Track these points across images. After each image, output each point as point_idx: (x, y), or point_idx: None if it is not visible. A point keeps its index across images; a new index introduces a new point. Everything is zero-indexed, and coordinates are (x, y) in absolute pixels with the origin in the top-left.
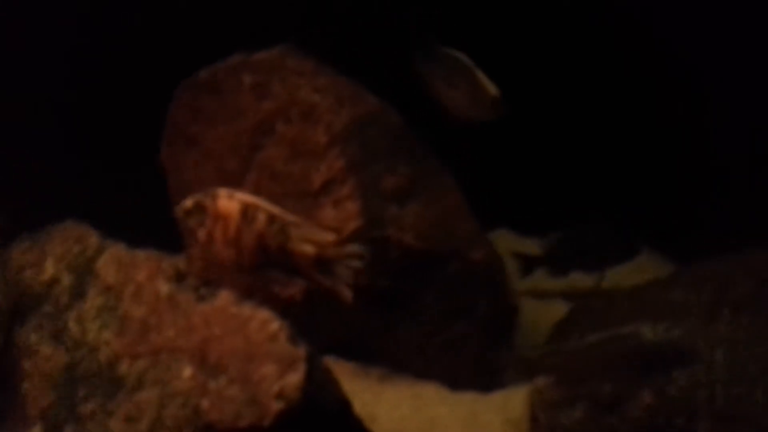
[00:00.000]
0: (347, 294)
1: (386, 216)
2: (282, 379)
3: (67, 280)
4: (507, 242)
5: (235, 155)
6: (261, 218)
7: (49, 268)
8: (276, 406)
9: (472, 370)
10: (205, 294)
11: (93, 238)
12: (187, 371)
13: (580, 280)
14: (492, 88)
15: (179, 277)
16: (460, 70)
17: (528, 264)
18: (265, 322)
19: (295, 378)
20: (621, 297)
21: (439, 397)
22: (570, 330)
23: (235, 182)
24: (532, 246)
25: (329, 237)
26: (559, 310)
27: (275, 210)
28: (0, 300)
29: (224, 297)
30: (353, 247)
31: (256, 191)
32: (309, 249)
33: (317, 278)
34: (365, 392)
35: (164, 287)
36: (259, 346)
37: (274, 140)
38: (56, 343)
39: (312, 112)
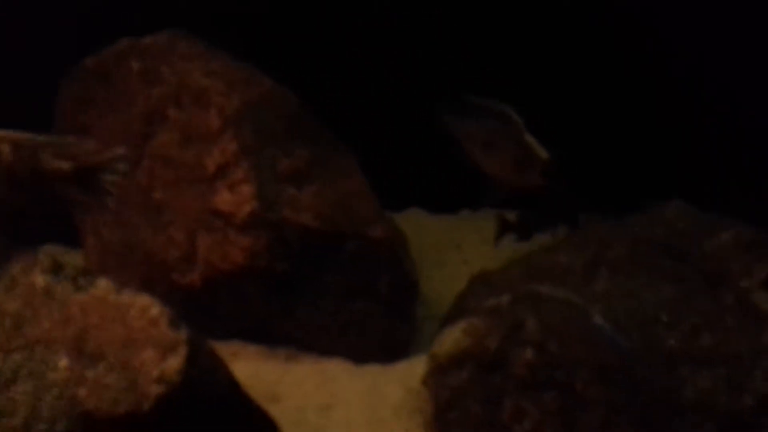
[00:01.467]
0: (111, 203)
1: (282, 198)
2: (162, 363)
3: None
4: (418, 221)
5: (127, 143)
6: (4, 149)
7: None
8: (155, 390)
9: (377, 345)
10: (84, 284)
11: None
12: (63, 362)
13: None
14: (542, 152)
15: (56, 269)
16: (502, 128)
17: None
18: (144, 309)
19: (175, 362)
20: (515, 264)
21: (343, 372)
22: (468, 300)
23: (129, 171)
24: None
25: (87, 146)
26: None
27: (20, 136)
28: None
29: (102, 286)
30: (114, 151)
31: (151, 179)
32: (64, 165)
33: (77, 194)
34: (270, 373)
35: (40, 279)
36: (139, 333)
37: (166, 126)
38: None
39: (203, 96)
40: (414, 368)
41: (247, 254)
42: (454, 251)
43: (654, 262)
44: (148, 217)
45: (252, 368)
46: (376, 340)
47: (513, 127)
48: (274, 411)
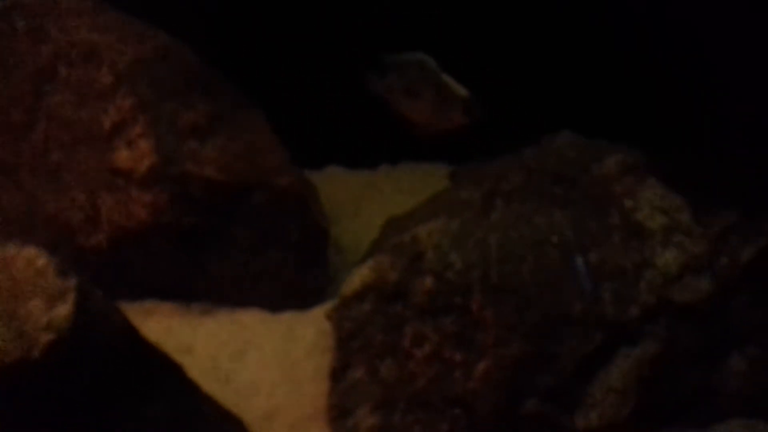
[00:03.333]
0: None
1: (184, 151)
2: (50, 311)
3: None
4: (336, 176)
5: (19, 106)
6: None
7: None
8: (45, 337)
9: (291, 293)
10: None
11: None
12: None
13: None
14: (461, 90)
15: None
16: (422, 76)
17: None
18: (30, 259)
19: (64, 309)
20: (422, 204)
21: (258, 321)
22: (380, 242)
23: (23, 135)
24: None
25: None
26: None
27: None
28: None
29: None
30: None
31: (47, 141)
32: None
33: None
34: (184, 327)
35: None
36: (26, 284)
37: (58, 86)
38: None
39: (94, 52)
40: (327, 311)
41: (150, 210)
42: (371, 203)
43: (546, 190)
44: (47, 181)
45: (166, 324)
46: (290, 288)
47: (430, 72)
48: (187, 361)
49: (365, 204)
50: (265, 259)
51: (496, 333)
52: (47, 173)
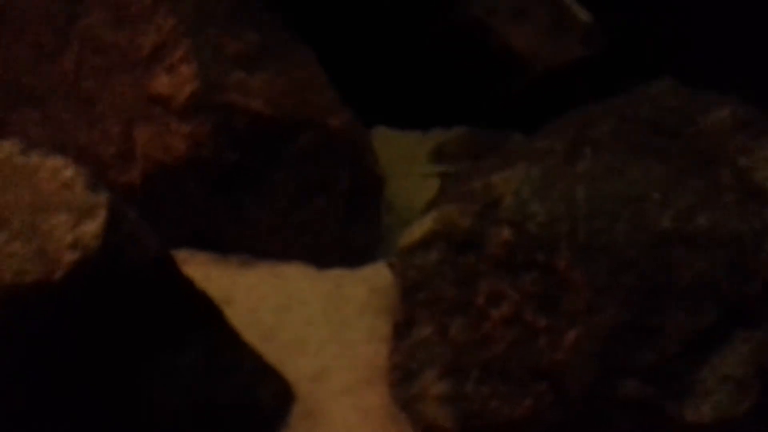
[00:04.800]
0: None
1: (230, 81)
2: (77, 228)
3: None
4: (385, 137)
5: (50, 27)
6: None
7: None
8: (69, 257)
9: (337, 248)
10: None
11: None
12: None
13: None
14: (582, 14)
15: None
16: None
17: None
18: (57, 170)
19: (92, 226)
20: (488, 158)
21: (302, 276)
22: (440, 198)
23: (54, 59)
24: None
25: None
26: (434, 188)
27: None
28: None
29: (6, 148)
30: None
31: (79, 67)
32: None
33: None
34: (221, 278)
35: None
36: (50, 196)
37: (92, 6)
38: None
39: None
40: (380, 271)
41: (189, 143)
42: (424, 163)
43: (642, 140)
44: (78, 111)
45: (202, 274)
46: (337, 243)
47: None
48: (227, 312)
49: (417, 165)
50: (311, 208)
51: (588, 297)
52: (78, 102)
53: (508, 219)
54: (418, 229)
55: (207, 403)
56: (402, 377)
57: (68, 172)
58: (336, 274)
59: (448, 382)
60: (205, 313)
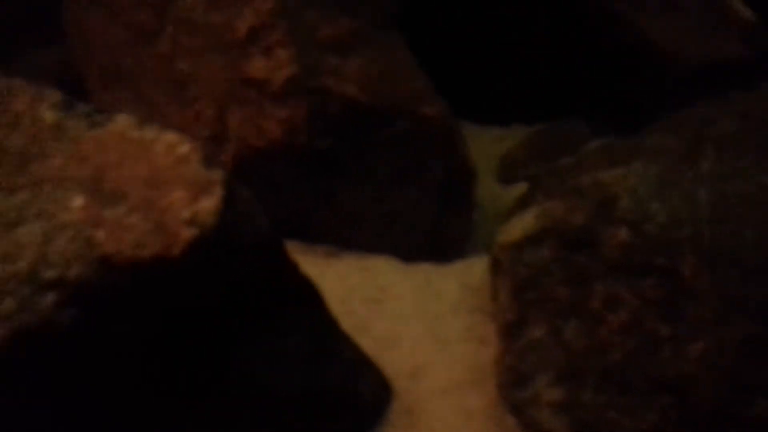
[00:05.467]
0: None
1: (325, 65)
2: (194, 204)
3: None
4: (467, 131)
5: (146, 8)
6: None
7: None
8: (187, 232)
9: (427, 241)
10: (99, 120)
11: None
12: (78, 201)
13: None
14: (743, 10)
15: (67, 105)
16: None
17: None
18: (172, 145)
19: (209, 202)
20: (588, 154)
21: (391, 268)
22: (535, 193)
23: (149, 40)
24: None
25: None
26: (522, 187)
27: None
28: None
29: (121, 121)
30: None
31: (174, 48)
32: None
33: None
34: (310, 268)
35: (48, 115)
36: (166, 171)
37: None
38: None
39: None
40: (471, 268)
41: (284, 127)
42: (510, 162)
43: None
44: (172, 92)
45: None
46: (428, 235)
47: None
48: None
49: (497, 160)
50: (402, 198)
51: (716, 307)
52: (172, 84)
53: (625, 219)
54: (519, 225)
55: (309, 391)
56: (513, 380)
57: (184, 148)
58: (425, 268)
59: (563, 389)
60: (309, 298)
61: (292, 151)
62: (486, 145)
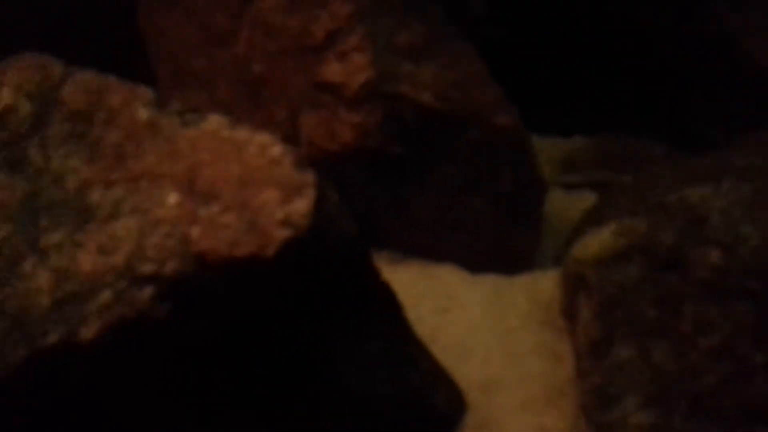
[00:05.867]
0: None
1: (400, 72)
2: (287, 205)
3: (26, 108)
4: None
5: (223, 9)
6: None
7: (5, 97)
8: (281, 233)
9: (493, 252)
10: (192, 119)
11: (57, 67)
12: (173, 198)
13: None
14: None
15: (160, 103)
16: None
17: None
18: (264, 146)
19: (302, 204)
20: (663, 169)
21: (456, 278)
22: (605, 209)
23: (224, 42)
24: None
25: None
26: (587, 199)
27: None
28: None
29: (214, 121)
30: None
31: (250, 50)
32: None
33: None
34: None
35: (143, 112)
36: (259, 172)
37: None
38: (14, 173)
39: None
40: (539, 281)
41: (358, 132)
42: (570, 170)
43: None
44: (246, 94)
45: None
46: (494, 245)
47: None
48: None
49: (563, 171)
50: (470, 207)
51: None
52: (246, 86)
53: (717, 240)
54: (596, 240)
55: (387, 398)
56: (598, 400)
57: (276, 149)
58: (492, 279)
59: (653, 413)
60: (389, 304)
61: (364, 156)
62: (547, 153)
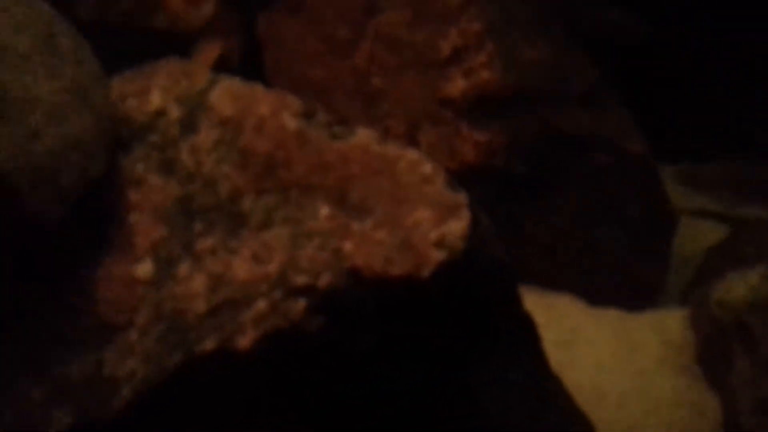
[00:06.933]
0: None
1: (527, 90)
2: (441, 225)
3: (175, 112)
4: None
5: (346, 21)
6: None
7: (156, 99)
8: (436, 255)
9: (617, 284)
10: (340, 132)
11: (203, 72)
12: (324, 210)
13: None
14: None
15: (308, 114)
16: None
17: None
18: (415, 163)
19: (457, 226)
20: None
21: (577, 310)
22: (741, 245)
23: (344, 53)
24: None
25: None
26: (713, 230)
27: None
28: (105, 121)
29: (364, 135)
30: None
31: (370, 63)
32: None
33: None
34: None
35: (291, 122)
36: (410, 189)
37: (394, 2)
38: (166, 175)
39: None
40: (667, 319)
41: (481, 150)
42: (689, 200)
43: None
44: (363, 107)
45: None
46: (619, 278)
47: None
48: None
49: (683, 200)
50: (595, 235)
51: None
52: (364, 98)
53: None
54: (742, 284)
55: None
56: None
57: (427, 167)
58: (616, 314)
59: None
60: (529, 333)
61: (486, 175)
62: (671, 180)
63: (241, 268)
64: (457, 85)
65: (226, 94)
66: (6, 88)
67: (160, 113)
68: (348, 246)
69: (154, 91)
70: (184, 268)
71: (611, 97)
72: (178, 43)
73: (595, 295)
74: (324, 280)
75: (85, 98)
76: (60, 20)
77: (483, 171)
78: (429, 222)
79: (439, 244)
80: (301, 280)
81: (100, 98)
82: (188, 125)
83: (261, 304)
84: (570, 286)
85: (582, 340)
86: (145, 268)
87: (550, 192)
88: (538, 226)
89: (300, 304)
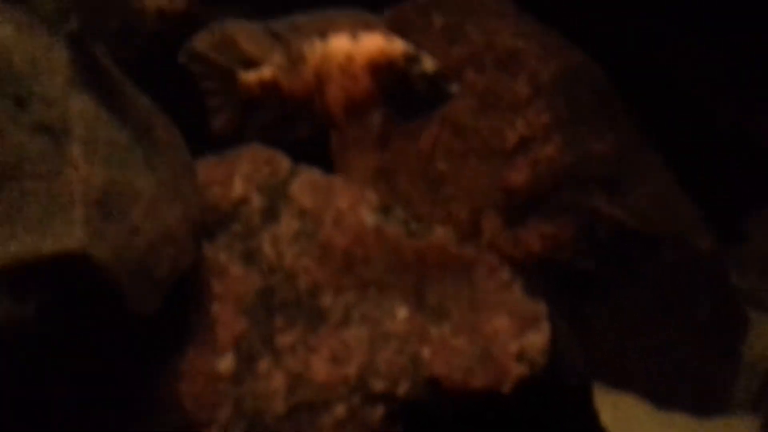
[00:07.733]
0: None
1: (594, 185)
2: (522, 337)
3: (257, 201)
4: None
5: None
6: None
7: (238, 187)
8: (517, 369)
9: (683, 386)
10: (417, 229)
11: (284, 162)
12: (402, 311)
13: None
14: None
15: (385, 209)
16: None
17: None
18: (494, 269)
19: (538, 338)
20: None
21: (643, 411)
22: None
23: (411, 137)
24: None
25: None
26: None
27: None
28: (194, 211)
29: (441, 234)
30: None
31: (435, 147)
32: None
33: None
34: None
35: (369, 218)
36: (488, 295)
37: (462, 91)
38: (248, 265)
39: (512, 59)
40: (738, 427)
41: (548, 242)
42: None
43: None
44: (426, 190)
45: None
46: (686, 379)
47: None
48: None
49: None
50: (662, 335)
51: None
52: (428, 182)
53: None
54: None
55: None
56: None
57: (505, 273)
58: (683, 419)
59: None
60: None
61: (551, 268)
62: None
63: (320, 369)
64: (523, 175)
65: (306, 186)
66: (114, 182)
67: (243, 202)
68: (426, 352)
69: (237, 179)
70: (264, 364)
71: (677, 188)
72: None
73: (662, 396)
74: (403, 388)
75: (177, 188)
76: (155, 111)
77: (547, 263)
78: (508, 332)
79: (520, 357)
80: (379, 385)
81: (189, 187)
82: (270, 215)
83: (340, 410)
84: (635, 385)
85: None
86: (227, 363)
87: (618, 289)
88: (605, 324)
89: (378, 411)
